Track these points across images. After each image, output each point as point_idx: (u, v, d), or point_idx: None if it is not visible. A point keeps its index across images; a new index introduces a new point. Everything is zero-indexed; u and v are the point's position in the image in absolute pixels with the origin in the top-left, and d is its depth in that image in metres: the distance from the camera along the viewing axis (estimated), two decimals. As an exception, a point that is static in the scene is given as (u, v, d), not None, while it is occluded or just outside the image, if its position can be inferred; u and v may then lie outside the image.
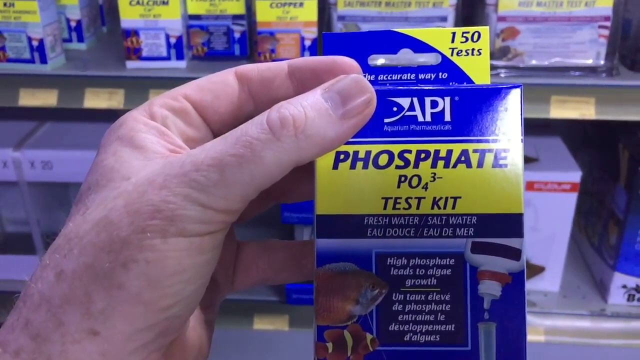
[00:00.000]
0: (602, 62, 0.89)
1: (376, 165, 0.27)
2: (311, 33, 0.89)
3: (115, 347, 0.24)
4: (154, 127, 0.28)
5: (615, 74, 0.89)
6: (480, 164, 0.27)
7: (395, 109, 0.27)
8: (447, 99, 0.27)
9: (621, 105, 0.86)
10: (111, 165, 0.26)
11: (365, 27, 0.88)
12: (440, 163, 0.27)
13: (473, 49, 0.29)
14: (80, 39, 1.03)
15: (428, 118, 0.27)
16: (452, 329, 0.26)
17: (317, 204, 0.27)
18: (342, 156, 0.27)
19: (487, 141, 0.27)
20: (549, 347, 1.03)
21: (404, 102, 0.27)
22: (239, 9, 0.91)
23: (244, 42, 0.94)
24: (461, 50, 0.29)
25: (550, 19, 0.87)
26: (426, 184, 0.27)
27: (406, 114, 0.27)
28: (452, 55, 0.29)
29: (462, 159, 0.27)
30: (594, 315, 1.03)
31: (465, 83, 0.28)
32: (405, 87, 0.27)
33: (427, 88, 0.27)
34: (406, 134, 0.27)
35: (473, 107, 0.27)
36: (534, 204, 1.01)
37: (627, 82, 0.87)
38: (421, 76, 0.29)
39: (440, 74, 0.29)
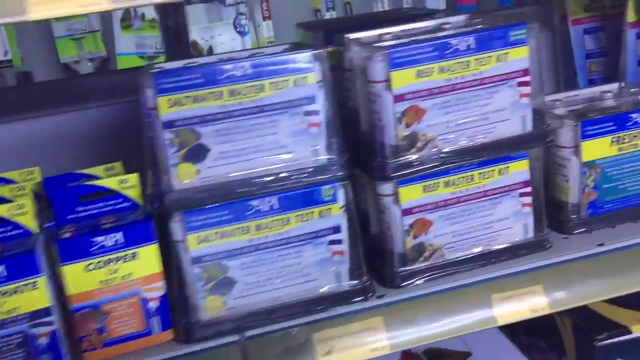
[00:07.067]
0: (530, 234, 0.71)
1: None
2: (157, 290, 0.60)
3: None
4: None
5: (548, 247, 0.71)
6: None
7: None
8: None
9: (573, 284, 0.68)
10: None
11: (233, 274, 0.61)
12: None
13: None
14: None
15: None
16: None
17: None
18: None
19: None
20: None
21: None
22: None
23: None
24: None
25: (463, 199, 0.67)
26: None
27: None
28: None
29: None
30: None
31: None
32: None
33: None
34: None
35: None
36: (485, 416, 0.79)
37: (572, 254, 0.69)
38: None
39: None
